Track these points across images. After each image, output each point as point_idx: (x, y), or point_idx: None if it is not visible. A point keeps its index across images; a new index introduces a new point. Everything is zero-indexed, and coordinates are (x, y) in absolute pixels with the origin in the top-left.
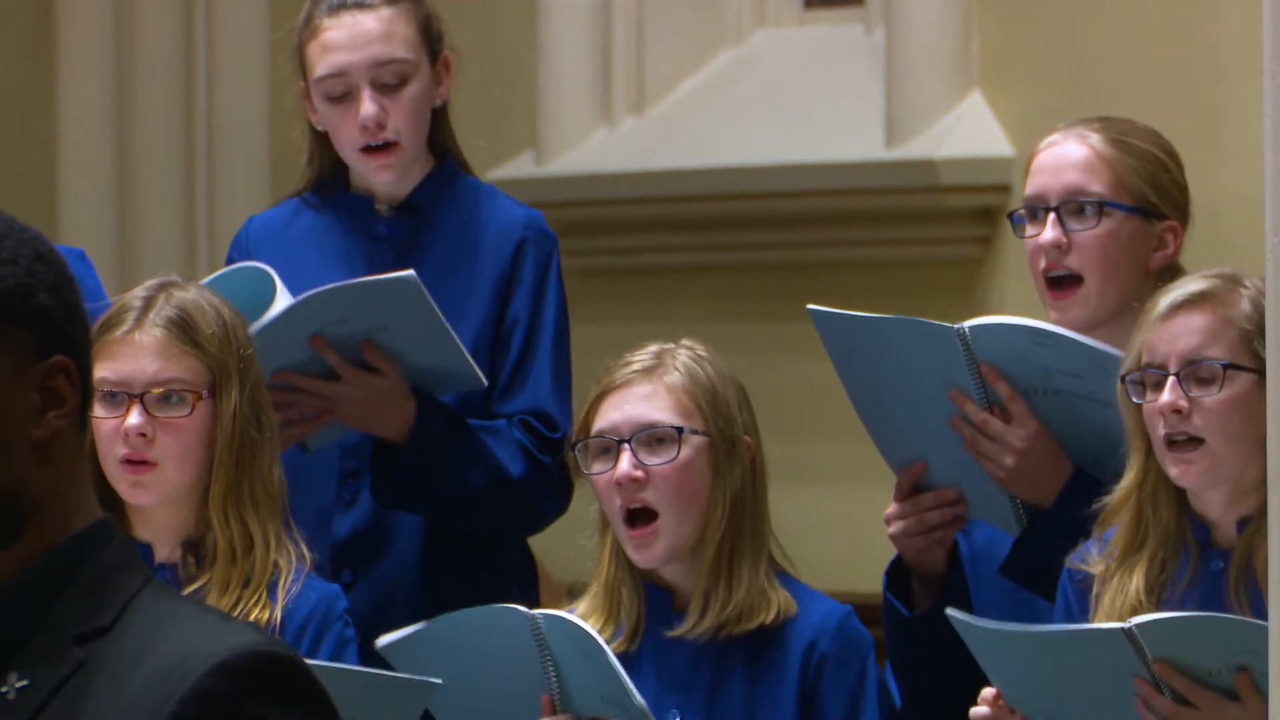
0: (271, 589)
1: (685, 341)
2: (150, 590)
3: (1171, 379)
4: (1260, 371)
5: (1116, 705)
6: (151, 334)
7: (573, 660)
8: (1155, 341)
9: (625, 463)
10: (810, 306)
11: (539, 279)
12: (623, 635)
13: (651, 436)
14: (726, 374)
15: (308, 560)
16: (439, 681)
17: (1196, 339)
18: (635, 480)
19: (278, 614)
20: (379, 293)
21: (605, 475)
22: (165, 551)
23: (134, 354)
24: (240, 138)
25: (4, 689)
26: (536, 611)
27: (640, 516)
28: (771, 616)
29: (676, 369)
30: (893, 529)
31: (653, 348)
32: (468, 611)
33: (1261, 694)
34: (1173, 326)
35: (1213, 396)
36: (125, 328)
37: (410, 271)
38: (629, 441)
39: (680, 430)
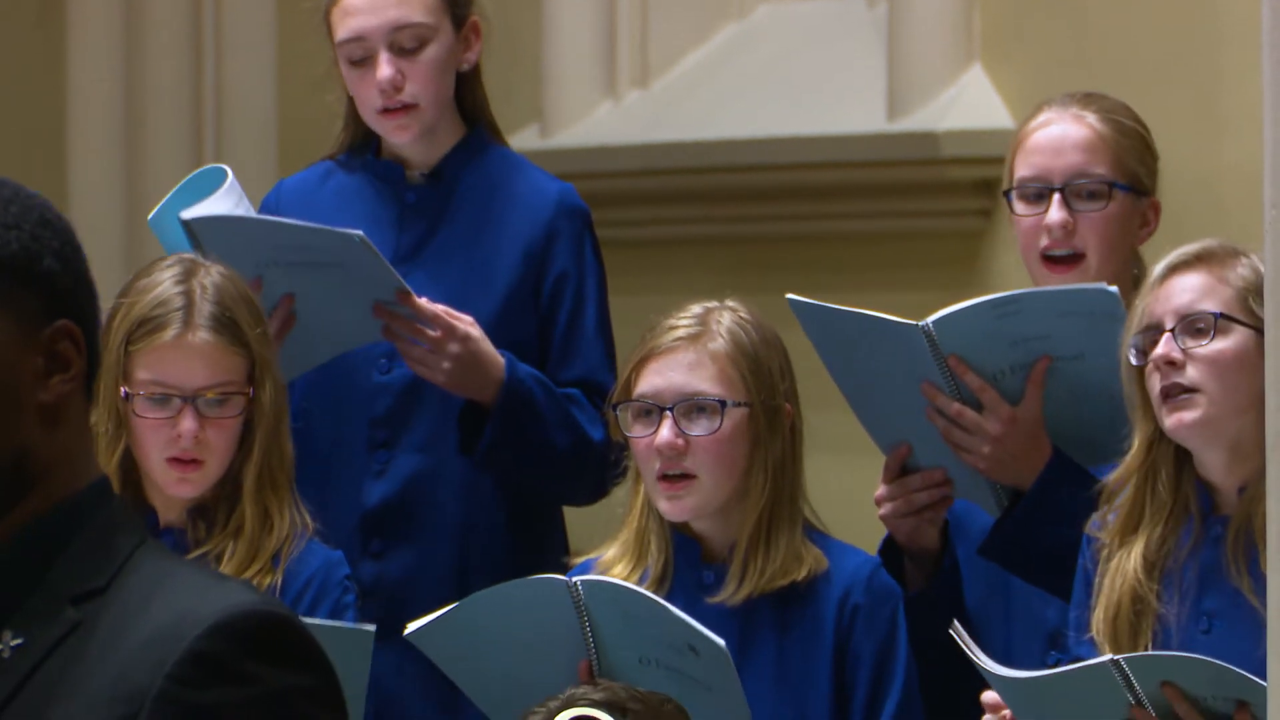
0: (275, 554)
1: (730, 303)
2: (146, 552)
3: (1167, 334)
4: (1256, 329)
5: None
6: (200, 337)
7: (613, 623)
8: (1152, 303)
9: (667, 430)
10: (789, 296)
11: (577, 252)
12: (648, 582)
13: (694, 406)
14: (770, 338)
15: (310, 527)
16: (372, 629)
17: (1191, 295)
18: (676, 448)
19: (279, 578)
20: (327, 241)
21: (646, 439)
22: (171, 516)
23: (184, 359)
24: (248, 108)
25: (0, 647)
26: (575, 578)
27: (677, 477)
28: (803, 574)
29: (721, 335)
30: (883, 510)
31: (696, 309)
32: (502, 586)
33: None
34: (1169, 287)
35: (1205, 347)
36: (174, 330)
37: (359, 231)
38: (671, 409)
39: (724, 403)
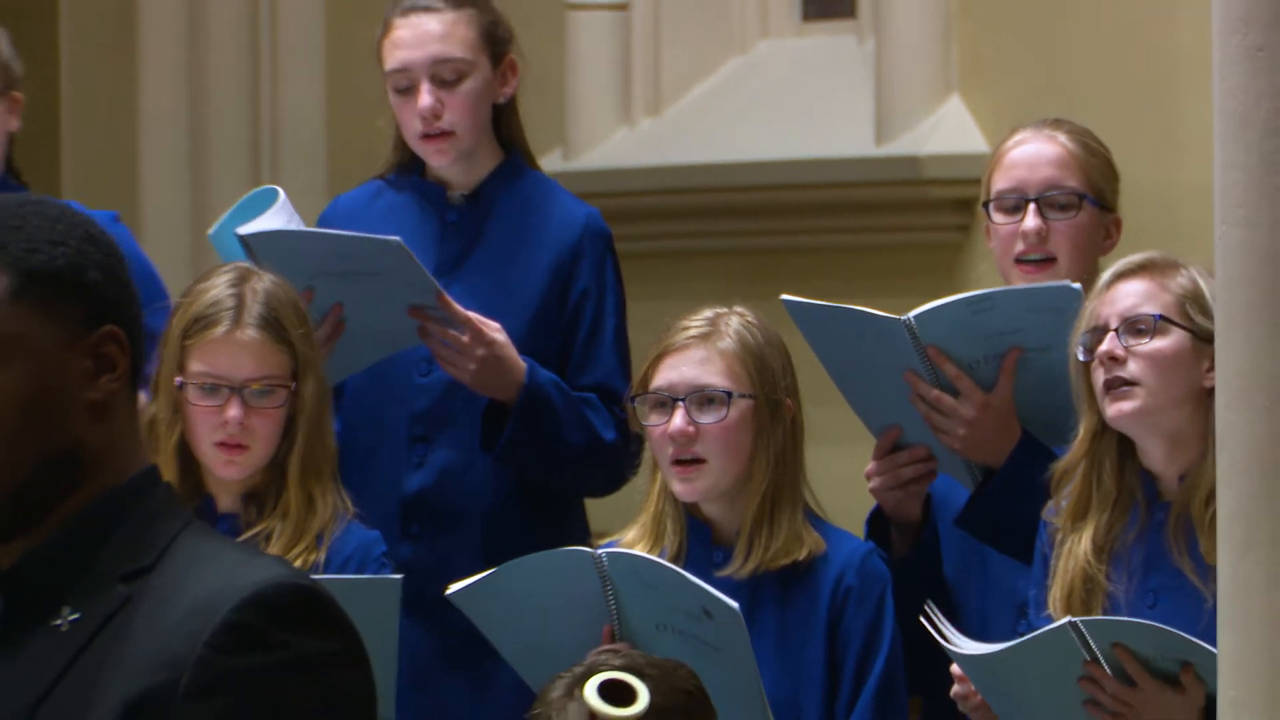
0: (319, 535)
1: (737, 308)
2: (189, 533)
3: (1111, 334)
4: (1191, 331)
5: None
6: (248, 334)
7: (634, 592)
8: (1099, 306)
9: (679, 419)
10: (783, 297)
11: (599, 271)
12: (665, 560)
13: (704, 397)
14: (774, 340)
15: (350, 510)
16: (399, 578)
17: (1134, 299)
18: (687, 435)
19: (322, 555)
20: (369, 248)
21: (660, 427)
22: (227, 502)
23: (233, 353)
24: (300, 132)
25: (58, 621)
26: (600, 550)
27: (689, 461)
28: (804, 555)
29: (729, 335)
30: (872, 484)
31: (707, 312)
32: (535, 556)
33: (1203, 684)
34: (1115, 291)
35: (1145, 345)
36: (224, 327)
37: (396, 238)
38: (684, 400)
39: (730, 394)
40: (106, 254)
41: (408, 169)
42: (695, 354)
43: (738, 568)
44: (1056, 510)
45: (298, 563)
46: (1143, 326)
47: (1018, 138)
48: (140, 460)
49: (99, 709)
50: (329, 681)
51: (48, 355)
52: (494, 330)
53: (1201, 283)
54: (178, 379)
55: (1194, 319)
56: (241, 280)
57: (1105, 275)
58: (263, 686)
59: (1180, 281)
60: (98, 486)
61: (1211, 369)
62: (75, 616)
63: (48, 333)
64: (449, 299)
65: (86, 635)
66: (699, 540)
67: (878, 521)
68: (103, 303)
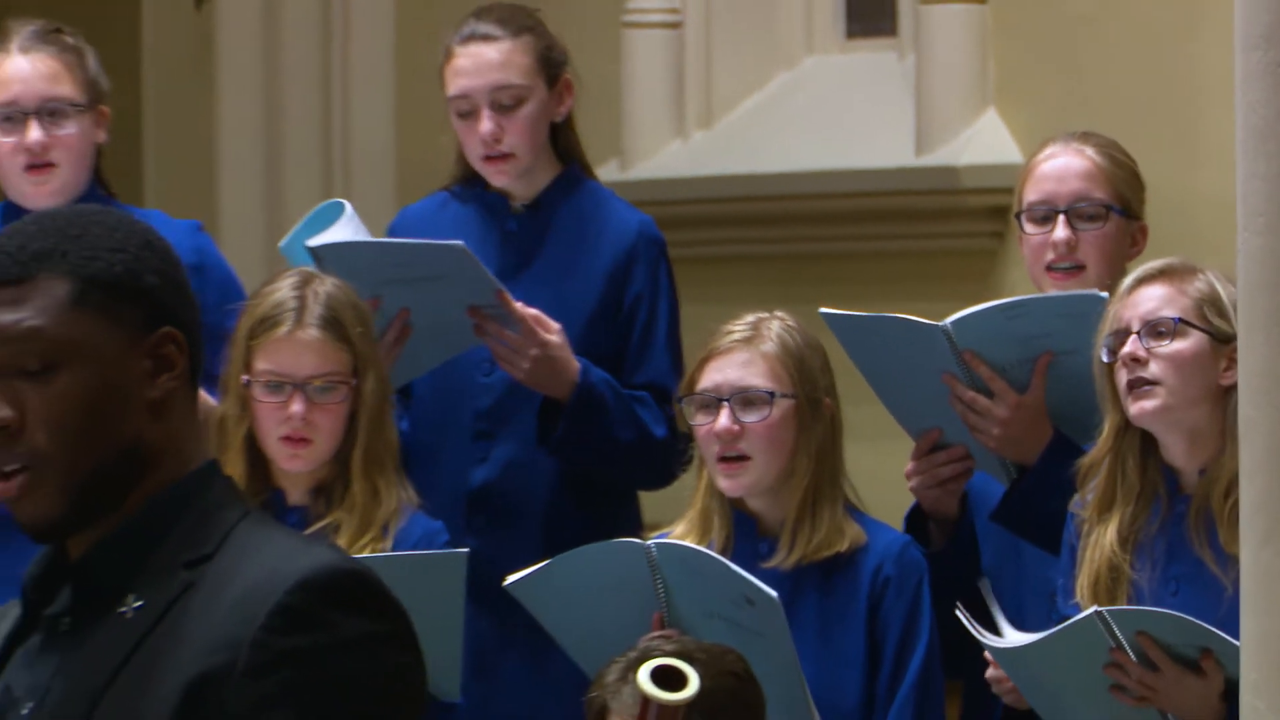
0: (385, 525)
1: (778, 313)
2: (247, 522)
3: (1133, 336)
4: (1209, 334)
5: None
6: (309, 333)
7: (681, 581)
8: (1121, 309)
9: (725, 418)
10: (822, 310)
11: (653, 276)
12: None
13: (747, 398)
14: (813, 342)
15: (415, 502)
16: (464, 552)
17: (1154, 303)
18: (733, 433)
19: (389, 544)
20: (432, 253)
21: (706, 426)
22: (296, 496)
23: (296, 351)
24: (370, 146)
25: (124, 609)
26: (650, 541)
27: (734, 458)
28: (845, 546)
29: (770, 339)
30: (912, 482)
31: (750, 317)
32: (588, 548)
33: (1222, 669)
34: (1136, 296)
35: (1166, 347)
36: (286, 328)
37: (459, 241)
38: (729, 401)
39: (772, 394)
40: (163, 259)
41: (471, 181)
42: (739, 357)
43: (783, 559)
44: (1083, 503)
45: (365, 551)
46: (1163, 329)
47: (1048, 151)
48: (201, 454)
49: (161, 690)
50: (378, 659)
51: (109, 357)
52: (550, 332)
53: (1218, 286)
54: (244, 377)
55: (1211, 321)
56: (304, 283)
57: (1127, 280)
58: (315, 665)
59: (1198, 286)
60: (160, 480)
61: (1228, 368)
62: (139, 604)
63: (108, 336)
64: (509, 297)
65: (150, 621)
66: (745, 533)
67: (917, 517)
68: (160, 306)
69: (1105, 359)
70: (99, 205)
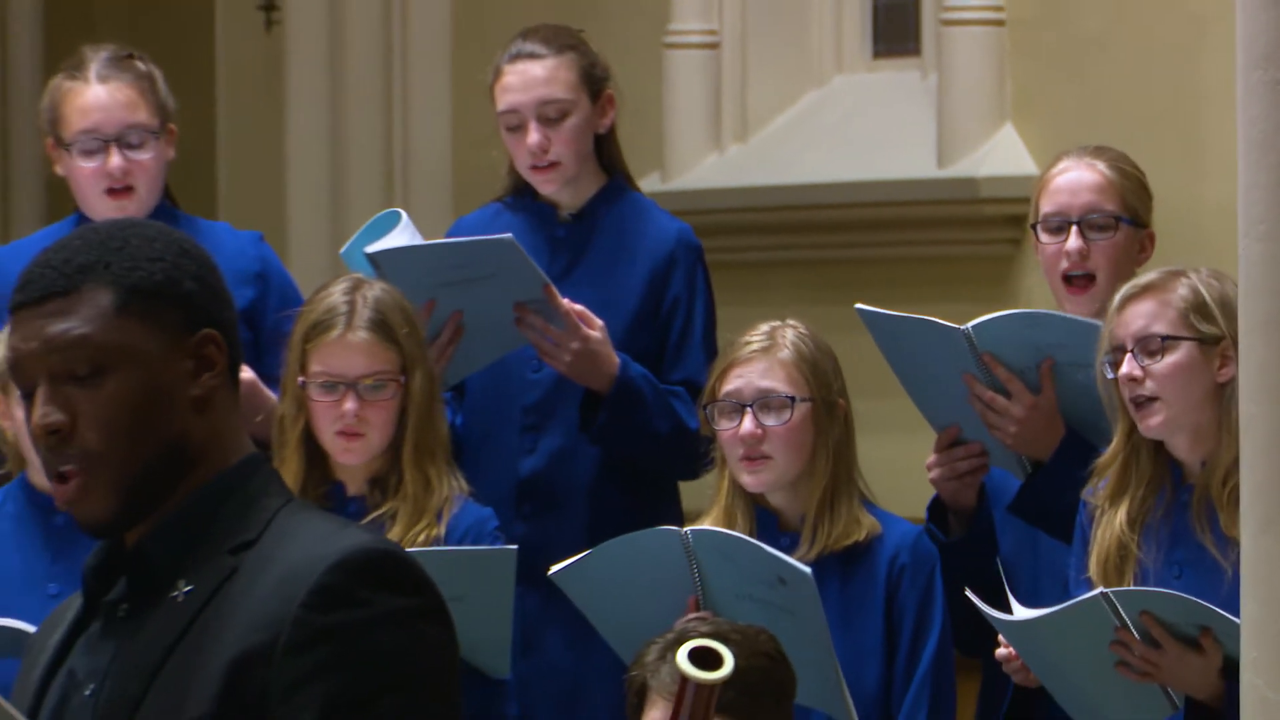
0: (438, 513)
1: (790, 321)
2: (289, 509)
3: (1128, 355)
4: (1197, 339)
5: (1108, 662)
6: (359, 335)
7: (716, 565)
8: (1115, 328)
9: (748, 423)
10: (857, 306)
11: (690, 280)
12: None
13: (768, 403)
14: (825, 347)
15: (465, 490)
16: (513, 549)
17: (1142, 320)
18: (756, 436)
19: (442, 530)
20: (483, 249)
21: (730, 430)
22: (355, 487)
23: (347, 353)
24: (427, 160)
25: (175, 593)
26: (686, 529)
27: (756, 459)
28: (863, 535)
29: (787, 346)
30: (932, 475)
31: (765, 327)
32: (625, 537)
33: (1221, 646)
34: (1125, 314)
35: (1158, 363)
36: (338, 330)
37: (508, 235)
38: (751, 406)
39: (793, 399)
40: (200, 265)
41: (522, 192)
42: (758, 365)
43: (805, 552)
44: (1094, 491)
45: (420, 538)
46: (1154, 347)
47: (1061, 165)
48: (244, 447)
49: (208, 668)
50: (412, 633)
51: (153, 360)
52: (592, 328)
53: (1202, 289)
54: (300, 378)
55: (1198, 328)
56: (354, 289)
57: (1116, 299)
58: (352, 640)
59: (1181, 294)
60: (206, 472)
61: (1222, 366)
62: (189, 588)
63: (151, 340)
64: (554, 291)
65: (198, 604)
66: (767, 529)
67: (937, 508)
68: (199, 309)
69: (1108, 374)
70: (135, 218)
